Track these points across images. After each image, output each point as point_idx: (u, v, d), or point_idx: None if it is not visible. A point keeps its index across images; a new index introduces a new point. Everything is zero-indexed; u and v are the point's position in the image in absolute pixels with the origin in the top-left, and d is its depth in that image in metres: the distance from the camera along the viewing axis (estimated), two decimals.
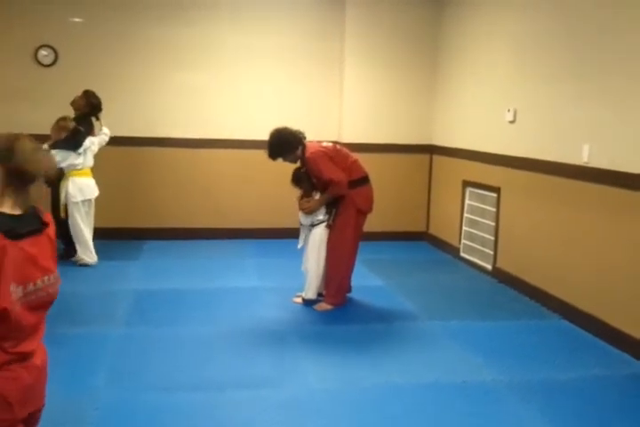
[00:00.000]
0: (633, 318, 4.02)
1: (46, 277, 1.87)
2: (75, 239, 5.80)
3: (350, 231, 4.74)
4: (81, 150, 5.71)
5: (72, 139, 5.68)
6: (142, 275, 5.63)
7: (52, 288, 1.90)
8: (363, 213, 4.79)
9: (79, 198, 5.73)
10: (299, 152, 4.69)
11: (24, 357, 1.85)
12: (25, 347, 1.85)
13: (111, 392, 3.33)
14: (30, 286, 1.81)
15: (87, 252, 5.82)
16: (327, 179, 4.58)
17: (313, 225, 4.78)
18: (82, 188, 5.74)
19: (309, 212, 4.72)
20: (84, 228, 5.78)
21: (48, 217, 1.95)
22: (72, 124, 5.68)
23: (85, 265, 5.80)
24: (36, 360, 1.90)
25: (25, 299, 1.80)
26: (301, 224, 4.87)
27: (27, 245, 1.81)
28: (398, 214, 7.22)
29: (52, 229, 1.94)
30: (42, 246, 1.87)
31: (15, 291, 1.77)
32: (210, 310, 4.72)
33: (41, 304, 1.87)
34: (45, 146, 5.49)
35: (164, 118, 6.86)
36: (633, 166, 4.01)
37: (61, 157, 5.58)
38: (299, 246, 4.90)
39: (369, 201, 4.82)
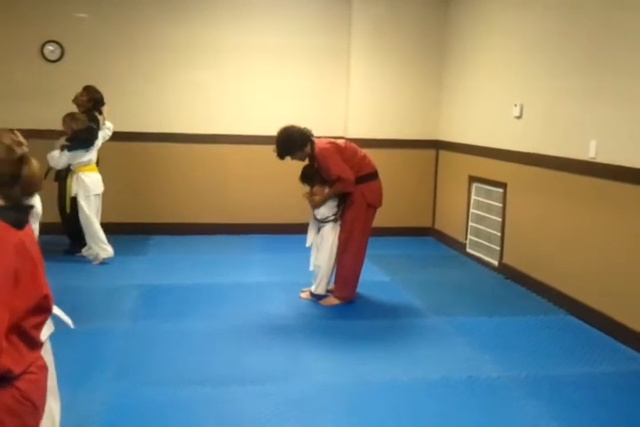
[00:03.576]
0: None
1: None
2: (89, 237, 5.70)
3: (360, 225, 4.76)
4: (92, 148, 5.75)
5: (88, 139, 5.69)
6: (148, 270, 5.63)
7: None
8: (373, 207, 4.82)
9: (97, 192, 5.75)
10: (307, 149, 4.69)
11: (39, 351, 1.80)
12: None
13: (117, 387, 3.34)
14: None
15: (102, 244, 5.71)
16: (335, 176, 4.60)
17: (324, 222, 4.79)
18: (94, 182, 5.75)
19: (316, 205, 4.74)
20: (96, 222, 5.73)
21: None
22: (86, 123, 5.68)
23: (104, 261, 5.71)
24: (43, 361, 1.85)
25: None
26: (311, 222, 4.88)
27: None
28: (404, 210, 7.20)
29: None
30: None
31: None
32: (216, 305, 4.73)
33: None
34: (58, 151, 5.55)
35: (171, 114, 6.86)
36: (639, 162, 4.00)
37: (74, 157, 5.64)
38: (307, 245, 4.90)
39: (379, 195, 4.84)
